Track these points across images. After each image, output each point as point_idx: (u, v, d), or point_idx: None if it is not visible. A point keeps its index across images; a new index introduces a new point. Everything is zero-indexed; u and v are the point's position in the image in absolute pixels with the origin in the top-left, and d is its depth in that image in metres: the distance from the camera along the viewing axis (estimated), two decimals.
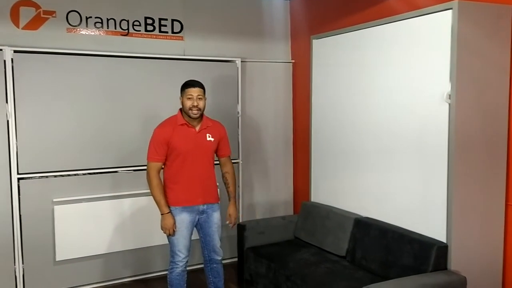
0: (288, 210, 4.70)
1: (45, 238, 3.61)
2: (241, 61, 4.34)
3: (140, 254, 3.97)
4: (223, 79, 4.24)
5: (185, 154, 2.98)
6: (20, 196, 3.51)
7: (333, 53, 3.57)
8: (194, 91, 2.98)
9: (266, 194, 4.60)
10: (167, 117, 3.90)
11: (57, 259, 3.63)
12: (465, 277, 2.54)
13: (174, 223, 2.97)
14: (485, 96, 2.66)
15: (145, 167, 3.84)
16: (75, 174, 3.70)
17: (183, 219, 3.00)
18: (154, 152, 2.97)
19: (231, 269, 4.16)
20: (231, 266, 4.26)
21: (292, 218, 3.90)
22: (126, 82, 3.84)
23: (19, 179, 3.50)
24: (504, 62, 2.69)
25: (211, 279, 3.23)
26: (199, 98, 2.98)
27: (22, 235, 3.54)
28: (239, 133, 4.36)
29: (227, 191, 3.24)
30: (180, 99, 3.05)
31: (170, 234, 2.98)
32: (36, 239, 3.58)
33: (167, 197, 3.02)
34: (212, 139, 3.08)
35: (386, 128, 3.05)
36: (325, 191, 3.69)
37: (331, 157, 3.60)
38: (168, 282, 3.08)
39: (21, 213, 3.53)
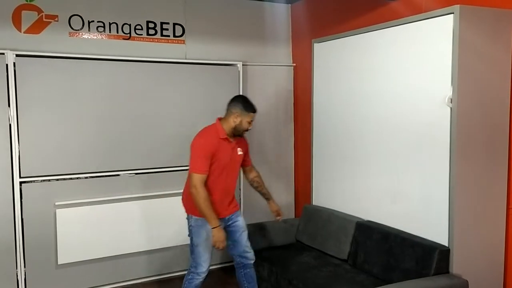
0: (289, 213, 4.70)
1: (47, 241, 3.61)
2: (243, 65, 4.36)
3: (143, 257, 3.97)
4: (224, 82, 4.26)
5: (222, 168, 2.99)
6: (22, 200, 3.52)
7: (334, 56, 3.58)
8: (254, 116, 3.06)
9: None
10: (166, 119, 3.95)
11: (59, 262, 3.64)
12: (466, 281, 2.55)
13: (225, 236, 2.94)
14: (487, 100, 2.67)
15: (147, 170, 3.94)
16: (77, 178, 3.70)
17: (211, 231, 2.93)
18: (202, 164, 2.88)
19: (232, 273, 4.15)
20: (232, 269, 4.25)
21: (294, 221, 3.91)
22: (128, 86, 3.85)
23: (21, 182, 3.51)
24: (505, 66, 2.70)
25: (245, 285, 3.22)
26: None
27: (24, 239, 3.54)
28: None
29: (263, 192, 3.34)
30: (235, 115, 2.98)
31: (222, 248, 2.92)
32: (38, 242, 3.58)
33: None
34: (241, 153, 3.14)
35: (388, 131, 3.06)
36: (327, 194, 3.70)
37: (333, 161, 3.60)
38: (188, 282, 3.05)
39: (23, 217, 3.53)
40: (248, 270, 3.21)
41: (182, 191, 4.01)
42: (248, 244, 3.18)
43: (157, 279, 4.04)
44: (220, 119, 3.05)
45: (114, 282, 3.89)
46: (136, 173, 3.93)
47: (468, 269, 2.62)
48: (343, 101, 3.48)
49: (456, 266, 2.60)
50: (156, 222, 3.97)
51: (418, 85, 2.81)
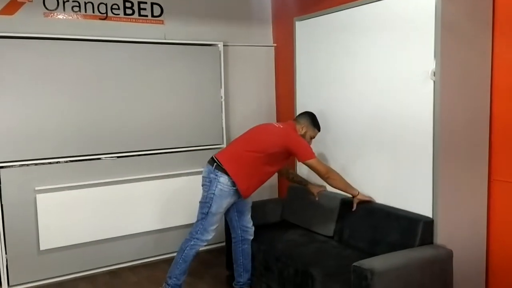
0: (273, 193, 4.71)
1: (28, 227, 3.53)
2: (224, 45, 4.30)
3: (126, 241, 3.93)
4: (205, 63, 4.20)
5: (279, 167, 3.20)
6: (1, 185, 3.43)
7: (317, 35, 3.56)
8: (317, 135, 3.27)
9: None
10: (147, 101, 3.91)
11: (42, 248, 3.57)
12: (451, 250, 2.60)
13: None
14: (468, 74, 2.70)
15: (129, 154, 3.88)
16: (56, 162, 3.62)
17: (229, 203, 3.05)
18: (310, 150, 3.04)
19: (219, 253, 4.16)
20: (218, 250, 4.26)
21: (279, 201, 3.92)
22: (106, 67, 3.76)
23: None
24: (486, 42, 2.74)
25: (241, 261, 3.27)
26: None
27: (4, 225, 3.45)
28: (223, 118, 4.33)
29: (299, 180, 3.53)
30: (302, 125, 3.18)
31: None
32: (19, 228, 3.50)
33: (244, 180, 3.00)
34: None
35: (371, 107, 3.07)
36: (311, 174, 3.70)
37: (316, 140, 3.60)
38: (182, 257, 3.05)
39: (2, 203, 3.44)
40: (246, 246, 3.26)
41: (166, 173, 4.00)
42: (251, 220, 3.29)
43: (143, 262, 4.01)
44: (293, 123, 3.22)
45: (99, 266, 3.84)
46: (118, 157, 3.86)
47: (453, 239, 2.68)
48: (327, 81, 3.47)
49: (441, 237, 2.65)
50: (138, 205, 3.93)
51: (401, 60, 2.82)
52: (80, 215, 3.69)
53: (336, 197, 3.32)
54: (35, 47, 3.48)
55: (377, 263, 2.42)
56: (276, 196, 4.70)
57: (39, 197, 3.54)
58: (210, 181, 2.99)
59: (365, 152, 3.15)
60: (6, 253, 3.48)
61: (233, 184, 2.97)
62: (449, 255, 2.59)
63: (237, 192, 3.01)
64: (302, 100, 3.77)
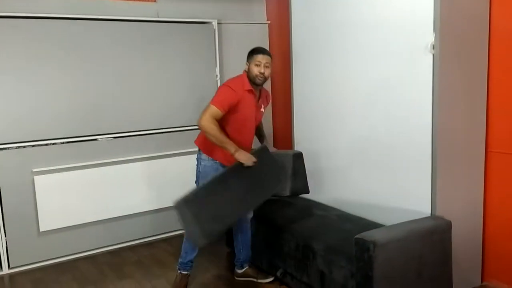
0: None
1: (27, 209, 3.52)
2: (218, 23, 4.26)
3: (125, 221, 3.94)
4: (199, 41, 4.16)
5: (244, 121, 2.99)
6: None
7: (313, 10, 3.53)
8: (263, 58, 2.95)
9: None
10: (142, 81, 3.85)
11: (41, 229, 3.57)
12: (450, 221, 2.65)
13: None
14: (466, 46, 2.72)
15: (125, 134, 3.86)
16: (53, 143, 3.59)
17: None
18: (224, 103, 2.84)
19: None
20: None
21: None
22: (99, 47, 3.72)
23: None
24: (483, 14, 2.76)
25: (240, 238, 3.27)
26: (266, 66, 2.95)
27: (3, 207, 3.44)
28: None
29: (261, 134, 3.33)
30: (246, 64, 2.99)
31: (253, 164, 2.82)
32: (18, 210, 3.49)
33: (215, 151, 2.96)
34: (263, 110, 3.16)
35: (370, 81, 3.07)
36: (308, 153, 3.73)
37: (314, 121, 3.62)
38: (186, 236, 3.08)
39: (0, 185, 3.41)
40: (245, 224, 3.27)
41: (163, 153, 3.99)
42: None
43: (142, 242, 4.04)
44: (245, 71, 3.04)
45: (99, 247, 3.86)
46: (114, 137, 3.84)
47: (451, 210, 2.73)
48: (324, 55, 3.46)
49: (440, 208, 2.70)
50: (136, 186, 3.93)
51: (400, 33, 2.82)
52: (79, 196, 3.68)
53: (288, 154, 3.31)
54: (26, 26, 3.42)
55: (379, 235, 2.46)
56: None
57: (37, 178, 3.52)
58: (197, 161, 3.08)
59: (363, 123, 3.17)
60: (5, 236, 3.47)
61: (213, 158, 2.99)
62: (447, 225, 2.65)
63: (222, 164, 3.00)
64: (299, 75, 3.76)
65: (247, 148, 3.01)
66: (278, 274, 3.11)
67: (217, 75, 4.27)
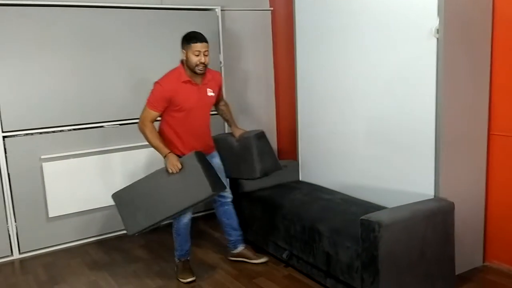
0: None
1: (36, 195, 3.58)
2: (221, 10, 4.27)
3: None
4: (203, 28, 4.11)
5: (188, 111, 2.98)
6: (7, 155, 3.45)
7: None
8: (202, 47, 2.87)
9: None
10: (147, 68, 3.88)
11: (50, 215, 3.63)
12: (453, 203, 2.71)
13: (178, 161, 2.89)
14: (470, 31, 2.75)
15: (132, 121, 3.89)
16: (60, 130, 3.64)
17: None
18: (155, 104, 2.91)
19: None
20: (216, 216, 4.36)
21: (282, 163, 3.98)
22: (105, 35, 3.74)
23: (4, 137, 3.42)
24: None
25: (226, 222, 3.31)
26: (205, 55, 2.90)
27: (12, 194, 3.50)
28: (223, 84, 4.33)
29: (227, 119, 3.37)
30: (182, 52, 2.92)
31: (177, 172, 2.87)
32: (27, 197, 3.55)
33: (170, 146, 2.98)
34: (213, 94, 3.09)
35: (375, 65, 3.10)
36: (312, 138, 3.78)
37: (319, 105, 3.65)
38: (174, 231, 3.14)
39: (9, 172, 3.47)
40: (227, 207, 3.29)
41: None
42: (226, 182, 3.26)
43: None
44: (182, 61, 3.00)
45: (107, 232, 3.93)
46: (121, 124, 3.89)
47: (454, 192, 2.79)
48: (329, 41, 3.49)
49: (443, 190, 2.76)
50: (143, 171, 3.95)
51: (404, 18, 2.85)
52: (86, 182, 3.74)
53: (249, 136, 3.28)
54: (33, 14, 3.44)
55: (384, 216, 2.53)
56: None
57: (45, 165, 3.57)
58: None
59: (369, 108, 3.21)
60: (16, 221, 3.53)
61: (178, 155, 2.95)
62: (450, 207, 2.70)
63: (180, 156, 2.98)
64: (302, 61, 3.79)
65: (204, 134, 3.06)
66: (285, 256, 3.17)
67: (221, 62, 4.30)
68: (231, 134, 3.36)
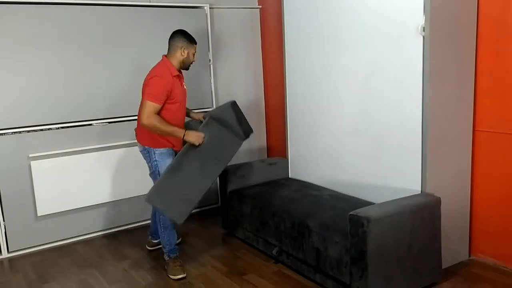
0: (262, 155, 4.82)
1: (24, 194, 3.56)
2: (210, 7, 4.28)
3: (122, 205, 3.99)
4: (192, 26, 4.16)
5: (180, 103, 3.13)
6: None
7: None
8: (197, 48, 3.21)
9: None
10: (136, 66, 3.88)
11: (39, 214, 3.61)
12: (439, 198, 2.76)
13: (198, 131, 3.09)
14: (456, 28, 2.80)
15: (119, 119, 3.88)
16: (48, 129, 3.62)
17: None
18: (162, 96, 2.96)
19: (214, 214, 4.28)
20: (213, 211, 4.38)
21: (271, 160, 4.02)
22: (93, 32, 3.72)
23: None
24: None
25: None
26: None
27: (0, 193, 3.47)
28: (212, 81, 4.35)
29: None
30: (182, 49, 3.08)
31: (202, 141, 3.05)
32: (15, 195, 3.53)
33: (161, 141, 3.09)
34: (185, 87, 3.30)
35: (362, 63, 3.14)
36: (301, 135, 3.81)
37: (307, 102, 3.68)
38: (161, 226, 3.17)
39: None
40: None
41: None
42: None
43: (139, 225, 4.10)
44: (166, 56, 3.12)
45: (96, 230, 3.91)
46: (109, 122, 3.87)
47: (440, 187, 2.84)
48: (317, 39, 3.52)
49: (429, 185, 2.81)
50: (132, 170, 3.97)
51: (390, 16, 2.89)
52: (75, 180, 3.72)
53: (225, 106, 3.37)
54: (24, 13, 3.42)
55: (372, 211, 2.56)
56: (265, 157, 4.81)
57: (34, 163, 3.55)
58: (148, 152, 3.15)
59: (356, 103, 3.25)
60: (4, 220, 3.51)
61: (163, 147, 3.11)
62: (437, 202, 2.75)
63: (172, 149, 3.16)
64: (291, 59, 3.81)
65: (180, 126, 3.13)
66: (274, 252, 3.20)
67: (210, 60, 4.31)
68: (191, 120, 3.44)
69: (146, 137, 3.12)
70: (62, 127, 3.67)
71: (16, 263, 3.46)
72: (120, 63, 3.86)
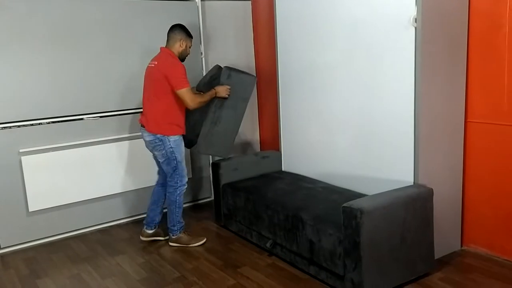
0: (255, 148, 4.81)
1: (16, 189, 3.53)
2: (201, 0, 4.25)
3: (114, 200, 3.97)
4: (183, 19, 4.12)
5: None
6: None
7: None
8: None
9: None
10: (126, 60, 3.88)
11: (30, 209, 3.58)
12: (431, 189, 2.77)
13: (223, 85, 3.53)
14: (448, 20, 2.80)
15: (111, 113, 3.86)
16: (39, 124, 3.58)
17: (183, 147, 3.42)
18: (186, 80, 3.22)
19: (207, 207, 4.28)
20: (206, 205, 4.38)
21: (265, 154, 4.02)
22: (83, 26, 3.68)
23: None
24: None
25: (162, 202, 3.63)
26: None
27: None
28: (204, 74, 4.33)
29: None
30: (181, 42, 3.32)
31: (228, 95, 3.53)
32: (6, 191, 3.50)
33: (178, 126, 3.32)
34: None
35: (353, 54, 3.14)
36: (294, 128, 3.81)
37: (300, 95, 3.68)
38: (176, 205, 3.40)
39: None
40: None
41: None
42: None
43: (133, 220, 4.08)
44: (166, 47, 3.34)
45: (89, 225, 3.90)
46: (100, 117, 3.85)
47: (432, 178, 2.85)
48: (308, 32, 3.51)
49: (422, 176, 2.82)
50: (124, 164, 3.96)
51: (382, 7, 2.88)
52: (67, 175, 3.69)
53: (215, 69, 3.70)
54: (11, 6, 3.37)
55: (365, 203, 2.57)
56: (258, 150, 4.80)
57: (24, 159, 3.51)
58: (161, 141, 3.30)
59: (346, 96, 3.25)
60: None
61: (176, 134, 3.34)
62: (429, 193, 2.77)
63: (182, 135, 3.39)
64: (283, 51, 3.80)
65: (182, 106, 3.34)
66: (268, 245, 3.20)
67: (201, 53, 4.29)
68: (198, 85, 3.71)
69: (161, 126, 3.27)
70: (53, 122, 3.64)
71: (8, 259, 3.43)
72: (110, 56, 3.82)
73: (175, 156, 3.31)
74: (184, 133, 3.38)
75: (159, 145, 3.30)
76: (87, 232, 3.87)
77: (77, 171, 3.74)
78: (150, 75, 3.31)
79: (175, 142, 3.30)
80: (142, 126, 3.36)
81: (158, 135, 3.27)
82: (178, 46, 3.32)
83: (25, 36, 3.45)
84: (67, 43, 3.62)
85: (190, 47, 3.40)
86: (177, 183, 3.38)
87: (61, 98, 3.64)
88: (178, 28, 3.34)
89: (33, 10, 3.46)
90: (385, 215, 2.58)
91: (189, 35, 3.38)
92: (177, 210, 3.41)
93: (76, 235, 3.82)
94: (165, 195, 3.50)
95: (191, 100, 3.21)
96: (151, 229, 3.60)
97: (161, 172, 3.55)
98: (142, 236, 3.61)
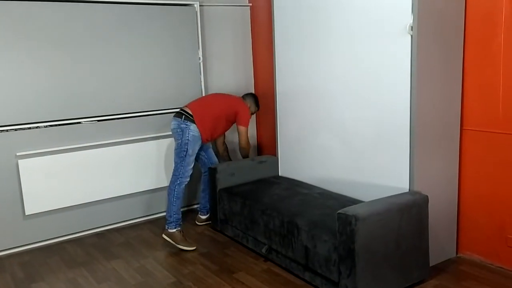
0: (252, 153, 4.81)
1: (12, 193, 3.53)
2: (200, 5, 4.27)
3: (111, 203, 3.98)
4: (181, 24, 4.17)
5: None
6: None
7: None
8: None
9: (231, 138, 4.67)
10: (124, 63, 3.91)
11: (27, 213, 3.58)
12: (427, 196, 2.78)
13: None
14: (444, 27, 2.82)
15: (108, 117, 3.87)
16: (36, 127, 3.58)
17: (199, 145, 3.67)
18: (249, 120, 3.82)
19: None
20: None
21: (261, 159, 4.03)
22: (82, 29, 3.69)
23: None
24: None
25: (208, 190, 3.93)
26: None
27: None
28: (202, 79, 4.34)
29: (227, 154, 4.29)
30: (249, 104, 3.94)
31: None
32: (3, 194, 3.50)
33: (206, 127, 3.64)
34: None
35: (350, 61, 3.15)
36: (291, 133, 3.81)
37: (297, 100, 3.69)
38: (174, 195, 3.56)
39: None
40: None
41: (148, 136, 4.00)
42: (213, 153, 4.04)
43: (129, 224, 4.08)
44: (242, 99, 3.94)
45: (85, 229, 3.89)
46: (98, 120, 3.85)
47: (428, 185, 2.86)
48: (306, 38, 3.52)
49: (417, 183, 2.83)
50: (121, 168, 3.96)
51: (379, 15, 2.90)
52: (64, 179, 3.70)
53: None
54: (9, 9, 3.38)
55: (360, 209, 2.58)
56: (255, 155, 4.80)
57: (21, 162, 3.52)
58: (182, 131, 3.56)
59: (343, 108, 3.26)
60: None
61: (199, 130, 3.61)
62: (424, 200, 2.77)
63: (201, 137, 3.64)
64: (281, 57, 3.81)
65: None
66: (264, 250, 3.20)
67: (199, 58, 4.30)
68: None
69: (200, 112, 3.61)
70: (50, 125, 3.64)
71: (3, 263, 3.43)
72: (108, 61, 3.83)
73: (187, 148, 3.54)
74: (202, 139, 3.63)
75: (179, 133, 3.55)
76: (83, 236, 3.86)
77: (74, 175, 3.74)
78: (227, 98, 3.91)
79: (194, 137, 3.54)
80: (181, 116, 3.60)
81: (183, 123, 3.54)
82: (247, 103, 3.93)
83: (23, 39, 3.46)
84: (65, 47, 3.63)
85: (253, 113, 4.02)
86: (179, 174, 3.56)
87: (59, 102, 3.65)
88: (252, 97, 4.05)
89: (30, 13, 3.46)
90: (380, 222, 2.58)
91: (256, 104, 4.04)
92: (174, 200, 3.55)
93: (72, 239, 3.82)
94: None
95: (247, 140, 3.83)
96: (205, 215, 3.98)
97: (200, 162, 3.91)
98: (198, 221, 4.00)
